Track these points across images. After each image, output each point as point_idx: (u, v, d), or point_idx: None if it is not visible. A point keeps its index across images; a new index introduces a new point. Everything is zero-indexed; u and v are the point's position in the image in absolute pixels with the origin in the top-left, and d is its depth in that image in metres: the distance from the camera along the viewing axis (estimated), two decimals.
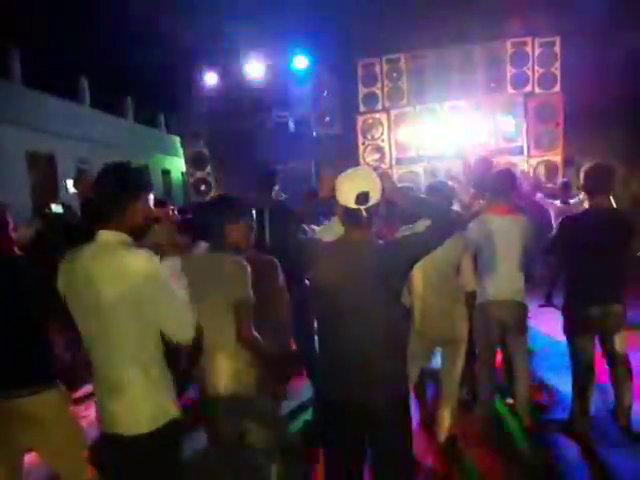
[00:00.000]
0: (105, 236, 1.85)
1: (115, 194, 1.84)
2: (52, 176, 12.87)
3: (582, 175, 3.31)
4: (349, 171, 2.08)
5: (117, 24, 9.71)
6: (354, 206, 1.98)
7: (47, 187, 12.48)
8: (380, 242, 2.11)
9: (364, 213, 1.98)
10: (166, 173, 19.41)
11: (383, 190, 2.04)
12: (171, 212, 2.37)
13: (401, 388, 2.15)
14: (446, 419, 3.30)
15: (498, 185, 3.49)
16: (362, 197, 1.96)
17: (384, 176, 2.08)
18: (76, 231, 3.56)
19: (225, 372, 2.35)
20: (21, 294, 2.38)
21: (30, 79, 12.36)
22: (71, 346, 4.00)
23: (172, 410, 1.90)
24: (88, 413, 3.40)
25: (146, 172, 2.00)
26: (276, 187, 4.10)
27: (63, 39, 11.26)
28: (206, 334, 2.05)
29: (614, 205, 3.32)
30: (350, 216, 2.03)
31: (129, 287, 1.77)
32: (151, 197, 1.95)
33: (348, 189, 1.99)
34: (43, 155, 12.67)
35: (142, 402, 1.84)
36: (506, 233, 3.37)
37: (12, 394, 2.34)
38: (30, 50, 12.42)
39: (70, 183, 12.42)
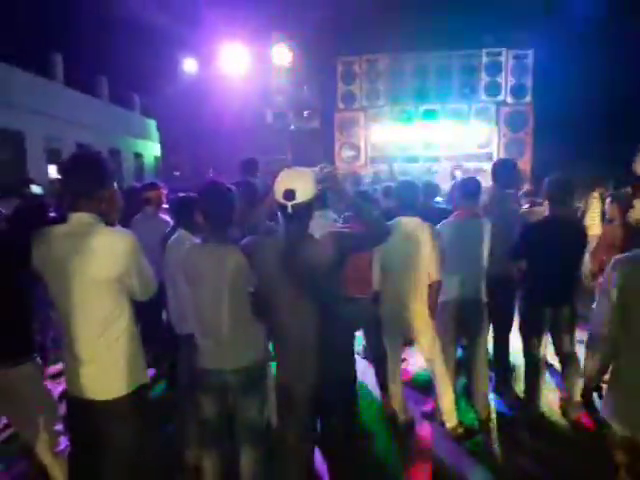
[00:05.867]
0: (79, 218, 1.98)
1: (85, 183, 1.99)
2: (20, 154, 12.53)
3: (546, 184, 3.52)
4: (286, 170, 2.20)
5: (97, 2, 9.54)
6: (282, 202, 2.11)
7: (15, 165, 12.15)
8: (315, 236, 2.20)
9: (289, 209, 2.09)
10: (138, 156, 19.12)
11: (321, 190, 2.17)
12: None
13: (345, 374, 2.27)
14: (446, 406, 3.44)
15: (465, 190, 3.68)
16: (288, 193, 2.08)
17: (329, 175, 2.18)
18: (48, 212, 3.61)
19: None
20: (4, 267, 2.43)
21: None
22: (41, 326, 4.03)
23: (142, 377, 2.08)
24: (57, 391, 3.44)
25: (112, 162, 2.13)
26: (258, 173, 4.19)
27: (37, 13, 10.96)
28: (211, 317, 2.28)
29: (573, 214, 3.55)
30: (280, 210, 2.17)
31: (112, 263, 1.95)
32: (116, 185, 2.12)
33: (279, 186, 2.13)
34: (11, 132, 12.32)
35: (115, 370, 2.00)
36: (468, 236, 3.56)
37: None
38: (0, 22, 12.01)
39: (53, 168, 12.19)
